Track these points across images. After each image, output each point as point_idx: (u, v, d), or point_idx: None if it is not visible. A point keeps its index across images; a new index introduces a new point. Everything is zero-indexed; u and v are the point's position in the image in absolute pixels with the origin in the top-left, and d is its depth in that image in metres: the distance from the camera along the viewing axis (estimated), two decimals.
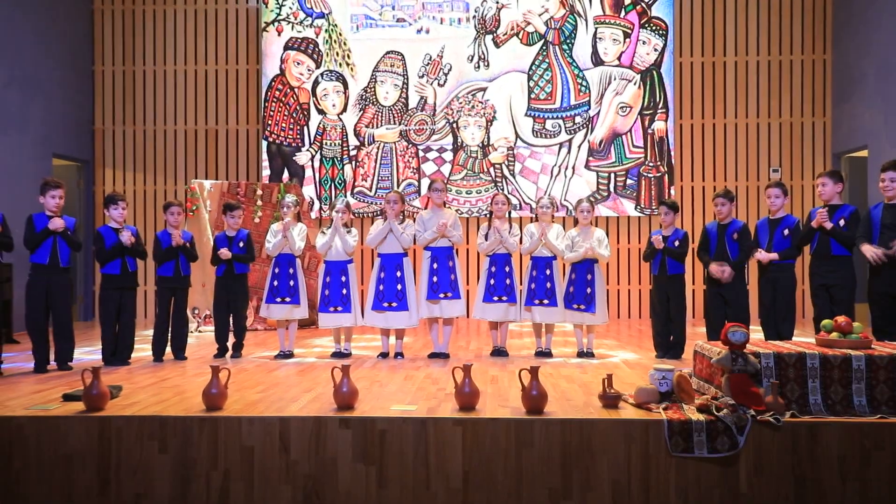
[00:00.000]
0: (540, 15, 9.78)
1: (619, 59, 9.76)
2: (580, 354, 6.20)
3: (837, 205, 5.50)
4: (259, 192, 8.62)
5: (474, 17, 9.78)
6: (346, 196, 9.73)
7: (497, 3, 9.75)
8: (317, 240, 6.30)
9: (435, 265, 6.16)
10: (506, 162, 9.80)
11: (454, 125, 9.85)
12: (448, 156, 9.85)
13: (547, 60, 9.77)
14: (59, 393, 4.48)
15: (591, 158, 9.78)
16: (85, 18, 10.06)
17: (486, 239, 6.23)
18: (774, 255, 5.56)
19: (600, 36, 9.76)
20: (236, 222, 6.37)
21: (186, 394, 4.52)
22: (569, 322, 6.35)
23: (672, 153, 9.74)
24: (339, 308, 6.08)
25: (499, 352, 6.24)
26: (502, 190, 9.65)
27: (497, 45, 9.79)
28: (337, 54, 9.85)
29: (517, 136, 9.83)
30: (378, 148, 9.90)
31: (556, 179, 9.75)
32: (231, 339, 6.37)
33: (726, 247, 5.85)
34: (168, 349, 6.15)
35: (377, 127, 9.92)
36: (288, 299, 6.20)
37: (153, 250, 6.15)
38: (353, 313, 6.10)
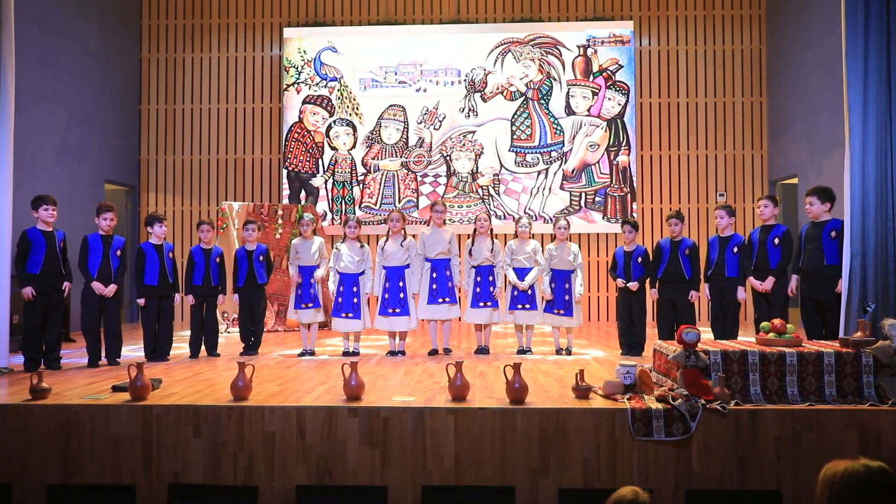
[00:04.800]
0: (521, 79, 9.94)
1: (588, 111, 9.89)
2: (558, 352, 6.19)
3: (772, 225, 5.55)
4: (280, 212, 8.62)
5: (465, 80, 9.94)
6: (355, 210, 9.84)
7: (484, 69, 9.95)
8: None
9: (434, 274, 6.16)
10: (492, 184, 9.88)
11: (447, 158, 9.93)
12: (442, 180, 9.94)
13: (527, 111, 9.92)
14: (109, 385, 4.46)
15: (564, 182, 9.86)
16: (134, 66, 10.08)
17: (470, 255, 6.23)
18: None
19: (572, 94, 9.91)
20: (251, 235, 6.36)
21: (217, 386, 4.51)
22: (548, 324, 6.35)
23: (634, 180, 9.81)
24: (350, 315, 6.06)
25: (482, 350, 6.23)
26: (489, 206, 9.75)
27: (484, 101, 9.94)
28: (347, 107, 10.00)
29: (501, 165, 9.91)
30: (382, 175, 9.97)
31: (535, 197, 9.85)
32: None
33: (679, 261, 5.87)
34: (202, 347, 6.13)
35: (381, 159, 9.99)
36: (311, 305, 6.19)
37: (186, 265, 6.13)
38: (361, 319, 6.08)
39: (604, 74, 9.90)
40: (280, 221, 8.57)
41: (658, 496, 3.65)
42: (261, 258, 6.32)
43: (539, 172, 9.87)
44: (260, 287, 6.33)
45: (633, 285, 5.98)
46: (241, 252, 6.33)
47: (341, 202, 9.96)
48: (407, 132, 9.97)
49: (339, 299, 6.09)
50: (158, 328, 5.88)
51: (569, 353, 6.16)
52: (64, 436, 3.84)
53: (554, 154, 9.87)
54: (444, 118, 9.95)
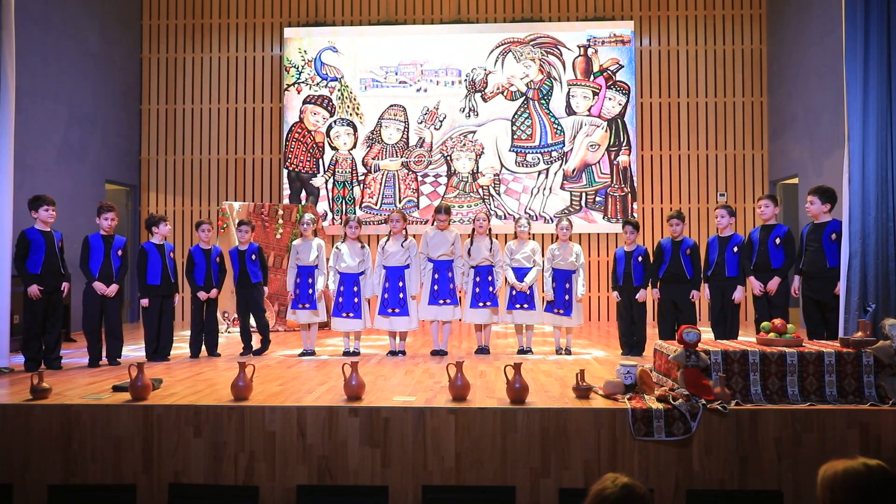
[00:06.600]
0: (521, 79, 9.93)
1: (588, 110, 9.89)
2: (558, 352, 6.19)
3: (773, 224, 5.55)
4: (280, 212, 8.62)
5: (465, 79, 9.94)
6: (356, 210, 9.83)
7: (484, 69, 9.94)
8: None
9: (436, 275, 6.15)
10: (492, 184, 9.88)
11: (448, 158, 9.93)
12: (443, 180, 9.94)
13: (528, 111, 9.91)
14: (110, 385, 4.46)
15: (565, 182, 9.86)
16: (135, 66, 10.08)
17: (469, 255, 6.23)
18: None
19: (573, 94, 9.91)
20: (243, 237, 6.35)
21: (217, 386, 4.51)
22: (547, 324, 6.34)
23: (635, 180, 9.81)
24: (351, 314, 6.06)
25: (482, 350, 6.23)
26: (489, 206, 9.75)
27: (485, 101, 9.94)
28: (348, 107, 10.01)
29: (502, 165, 9.91)
30: (383, 175, 9.98)
31: (536, 197, 9.85)
32: (257, 337, 6.35)
33: (681, 260, 5.87)
34: (203, 347, 6.12)
35: (382, 159, 9.99)
36: (308, 305, 6.18)
37: (186, 265, 6.13)
38: (362, 319, 6.07)
39: (604, 74, 9.91)
40: (280, 221, 8.57)
41: (659, 496, 3.65)
42: (252, 257, 6.30)
43: (539, 172, 9.87)
44: (255, 286, 6.31)
45: (641, 296, 5.99)
46: (233, 252, 6.34)
47: (342, 202, 9.97)
48: (407, 132, 9.98)
49: (340, 299, 6.08)
50: (159, 328, 5.87)
51: (568, 353, 6.16)
52: (65, 436, 3.83)
53: (554, 154, 9.87)
54: (444, 118, 9.95)
